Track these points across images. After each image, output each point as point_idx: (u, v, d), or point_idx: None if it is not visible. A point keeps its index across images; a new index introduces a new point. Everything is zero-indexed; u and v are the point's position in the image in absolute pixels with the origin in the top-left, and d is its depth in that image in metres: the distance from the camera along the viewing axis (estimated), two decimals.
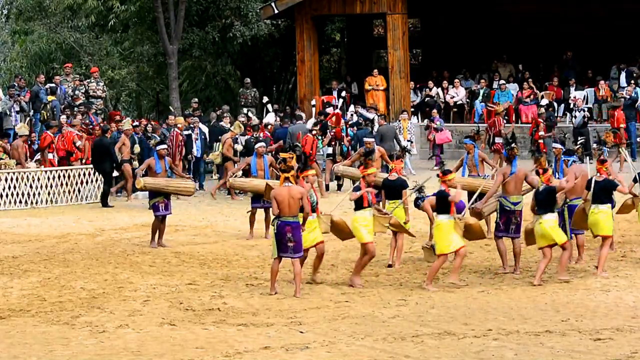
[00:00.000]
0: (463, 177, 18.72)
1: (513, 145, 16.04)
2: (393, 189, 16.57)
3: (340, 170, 21.25)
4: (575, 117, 29.21)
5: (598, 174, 15.79)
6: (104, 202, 23.81)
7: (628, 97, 29.34)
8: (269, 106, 30.63)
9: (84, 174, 24.27)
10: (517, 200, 15.84)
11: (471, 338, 11.72)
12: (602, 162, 16.03)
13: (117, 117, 26.43)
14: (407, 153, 20.69)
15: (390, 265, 16.45)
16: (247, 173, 19.71)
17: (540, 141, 27.38)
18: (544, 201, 14.88)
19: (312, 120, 27.37)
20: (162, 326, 12.65)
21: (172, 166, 19.33)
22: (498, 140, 27.39)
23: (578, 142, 17.36)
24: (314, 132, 25.30)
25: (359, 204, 15.03)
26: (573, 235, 16.09)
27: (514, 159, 15.90)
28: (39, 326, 12.77)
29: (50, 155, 24.63)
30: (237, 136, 25.47)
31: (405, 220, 16.37)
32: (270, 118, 29.05)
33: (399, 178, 16.75)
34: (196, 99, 31.07)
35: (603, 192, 15.56)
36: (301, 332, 12.20)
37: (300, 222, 14.45)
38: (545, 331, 11.97)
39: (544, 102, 30.39)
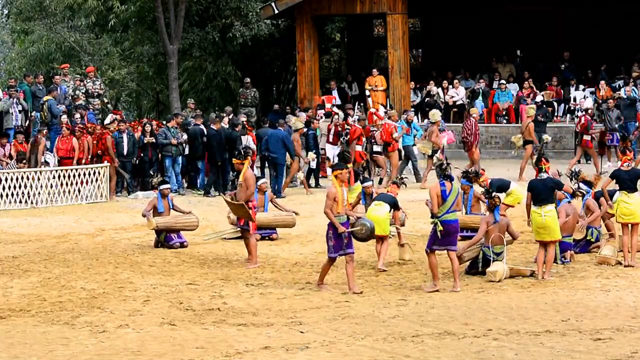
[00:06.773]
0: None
1: (494, 194, 15.80)
2: None
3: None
4: (579, 117, 29.15)
5: (623, 164, 16.21)
6: (207, 192, 25.08)
7: (626, 96, 29.36)
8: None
9: (84, 174, 24.25)
10: (499, 250, 15.44)
11: (471, 338, 11.73)
12: (624, 152, 16.81)
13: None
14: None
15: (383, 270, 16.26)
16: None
17: None
18: (630, 181, 15.87)
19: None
20: (162, 326, 12.65)
21: (174, 205, 19.32)
22: None
23: (577, 190, 17.27)
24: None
25: None
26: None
27: (495, 209, 15.45)
28: (39, 326, 12.77)
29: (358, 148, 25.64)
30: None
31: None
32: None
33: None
34: (192, 100, 31.05)
35: (633, 180, 16.03)
36: (301, 332, 12.20)
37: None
38: (545, 331, 11.97)
39: (538, 98, 30.37)
